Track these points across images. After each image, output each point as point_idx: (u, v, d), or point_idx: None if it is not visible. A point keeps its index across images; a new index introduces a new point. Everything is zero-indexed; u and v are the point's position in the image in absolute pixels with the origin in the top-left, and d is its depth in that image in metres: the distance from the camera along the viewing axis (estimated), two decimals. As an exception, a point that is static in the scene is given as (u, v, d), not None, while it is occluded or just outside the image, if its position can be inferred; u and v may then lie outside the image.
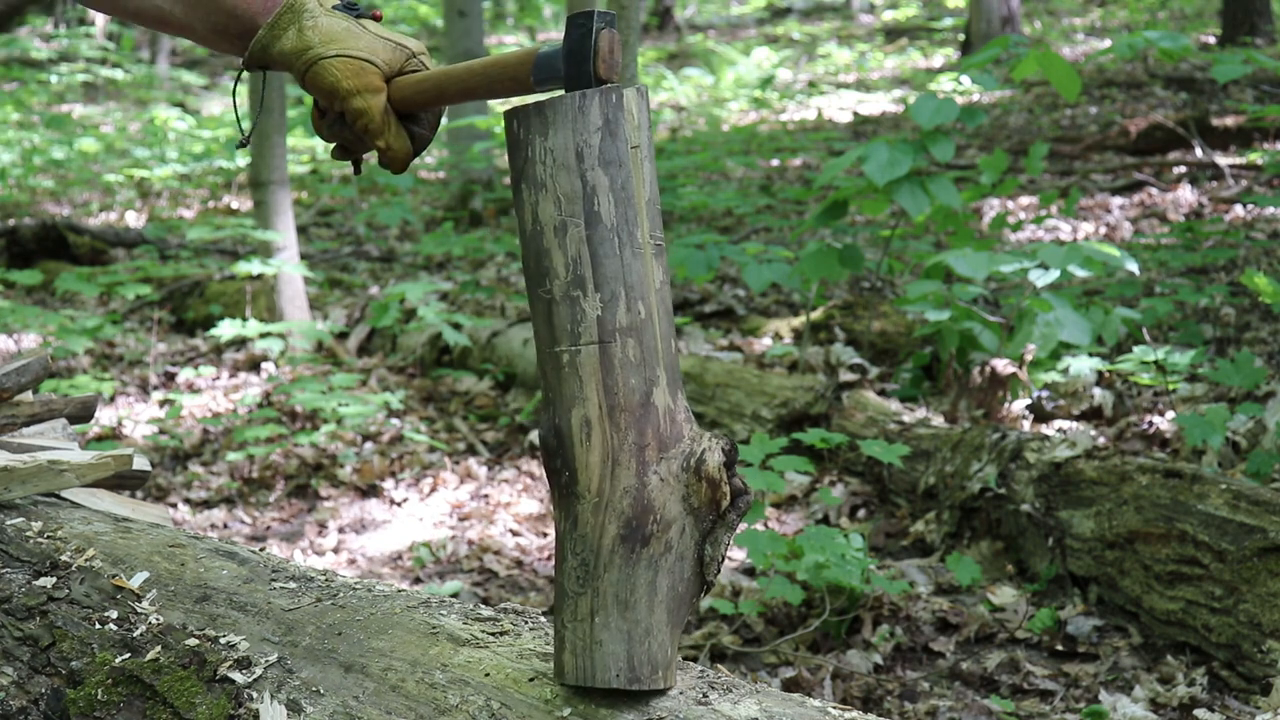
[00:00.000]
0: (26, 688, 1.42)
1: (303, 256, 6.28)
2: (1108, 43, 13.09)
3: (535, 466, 4.28)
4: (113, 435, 4.67)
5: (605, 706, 1.25)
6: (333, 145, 1.52)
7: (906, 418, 3.88)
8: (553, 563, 3.56)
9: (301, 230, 7.95)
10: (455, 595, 3.34)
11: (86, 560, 1.55)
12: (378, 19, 1.47)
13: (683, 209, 8.10)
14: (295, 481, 4.27)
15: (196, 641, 1.41)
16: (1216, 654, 2.71)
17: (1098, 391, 4.16)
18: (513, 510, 3.96)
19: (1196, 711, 2.46)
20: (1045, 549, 3.15)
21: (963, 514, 3.40)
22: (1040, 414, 4.10)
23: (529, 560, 3.63)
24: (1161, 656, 2.79)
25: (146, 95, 16.69)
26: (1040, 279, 4.08)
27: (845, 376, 4.52)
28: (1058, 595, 3.09)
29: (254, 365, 5.52)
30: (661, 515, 1.24)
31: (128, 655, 1.40)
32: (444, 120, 1.62)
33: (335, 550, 3.76)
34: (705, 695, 1.28)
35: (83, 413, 1.97)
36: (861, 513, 3.73)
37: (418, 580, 3.54)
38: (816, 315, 5.10)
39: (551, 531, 3.80)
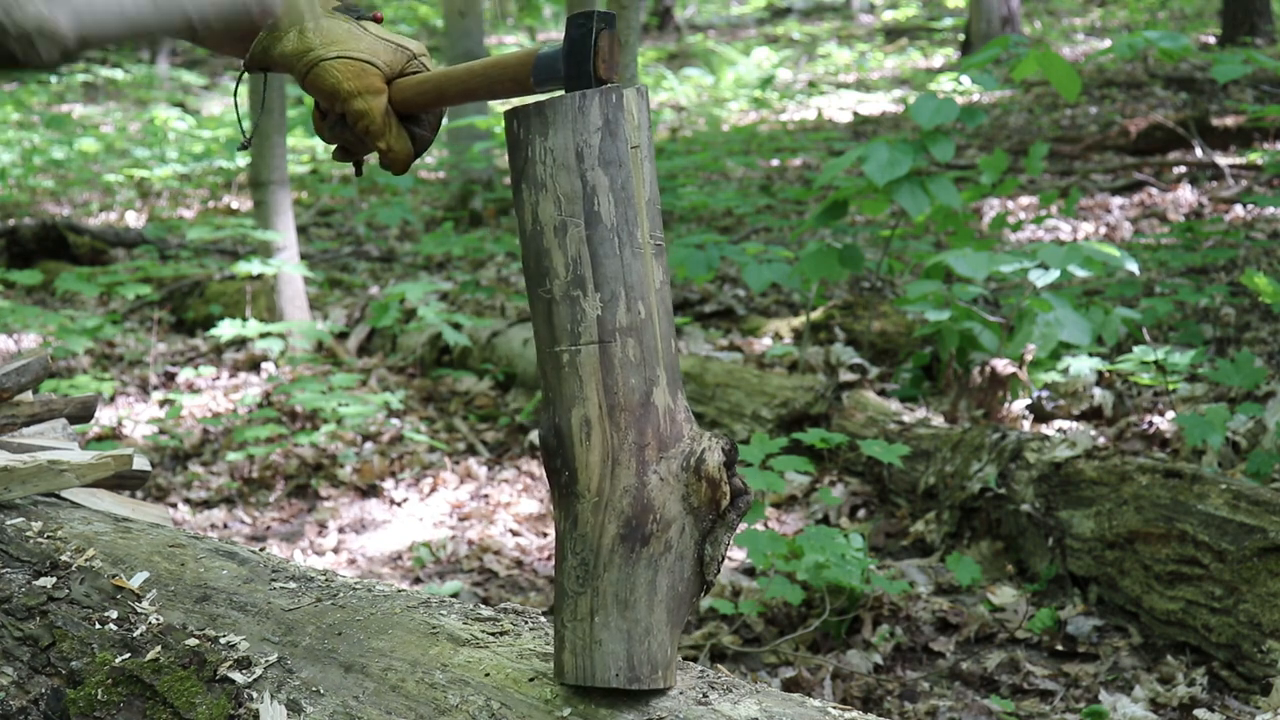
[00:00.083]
0: (26, 688, 1.42)
1: (303, 256, 6.28)
2: (1108, 43, 13.09)
3: (535, 466, 4.28)
4: (113, 435, 4.67)
5: (605, 706, 1.25)
6: (334, 147, 1.52)
7: (906, 418, 3.88)
8: (552, 563, 3.56)
9: (301, 230, 7.95)
10: (455, 595, 3.34)
11: (86, 560, 1.55)
12: (378, 20, 1.47)
13: (683, 209, 8.10)
14: (295, 481, 4.27)
15: (196, 641, 1.41)
16: (1216, 654, 2.71)
17: (1098, 391, 4.16)
18: (513, 510, 3.96)
19: (1196, 711, 2.46)
20: (1045, 549, 3.16)
21: (963, 514, 3.40)
22: (1040, 414, 4.10)
23: (529, 560, 3.63)
24: (1161, 656, 2.79)
25: (146, 95, 16.69)
26: (1040, 279, 4.08)
27: (845, 376, 4.52)
28: (1058, 595, 3.09)
29: (254, 365, 5.52)
30: (661, 515, 1.24)
31: (128, 655, 1.40)
32: (444, 120, 1.62)
33: (335, 550, 3.76)
34: (705, 695, 1.28)
35: (83, 413, 1.97)
36: (861, 513, 3.73)
37: (418, 580, 3.54)
38: (816, 315, 5.10)
39: (551, 531, 3.80)
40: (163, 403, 5.06)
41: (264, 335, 5.30)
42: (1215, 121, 8.54)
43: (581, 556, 1.25)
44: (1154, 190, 7.59)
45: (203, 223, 8.25)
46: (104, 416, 4.81)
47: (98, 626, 1.45)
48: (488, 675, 1.31)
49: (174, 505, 4.10)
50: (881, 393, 4.41)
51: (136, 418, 4.90)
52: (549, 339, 1.25)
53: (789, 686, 2.68)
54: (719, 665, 2.85)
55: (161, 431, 4.68)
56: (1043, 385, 4.18)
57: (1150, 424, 3.94)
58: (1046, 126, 10.10)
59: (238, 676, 1.35)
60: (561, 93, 1.26)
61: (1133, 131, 8.73)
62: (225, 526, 3.96)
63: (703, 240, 4.91)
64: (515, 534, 3.81)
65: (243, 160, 9.77)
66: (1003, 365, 4.06)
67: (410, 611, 1.44)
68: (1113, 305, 4.52)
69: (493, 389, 5.05)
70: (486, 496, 4.10)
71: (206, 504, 4.15)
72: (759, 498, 3.59)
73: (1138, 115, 9.55)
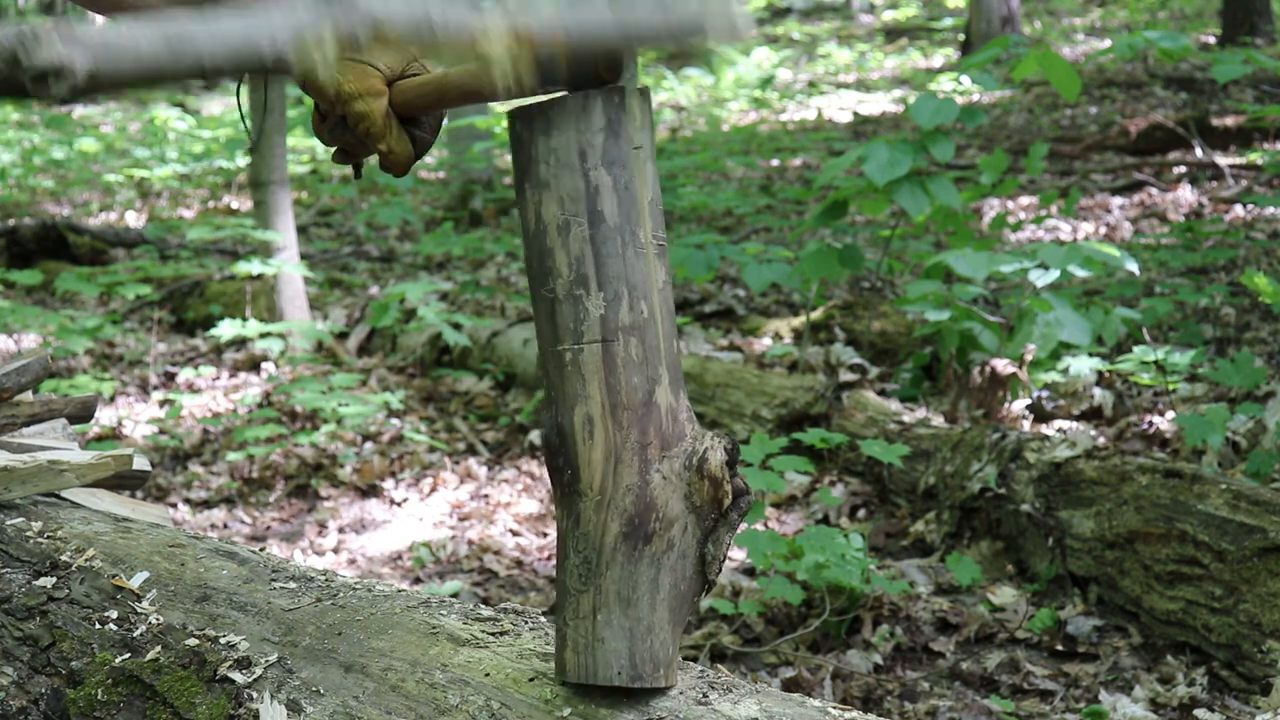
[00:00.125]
0: (26, 688, 1.42)
1: (303, 256, 6.28)
2: (1108, 43, 13.09)
3: (535, 466, 4.28)
4: (113, 435, 4.67)
5: (605, 706, 1.25)
6: (333, 149, 1.52)
7: (906, 418, 3.88)
8: (552, 563, 3.56)
9: (301, 230, 7.95)
10: (455, 595, 3.34)
11: (86, 560, 1.55)
12: None
13: (683, 209, 8.10)
14: (295, 481, 4.27)
15: (196, 641, 1.41)
16: (1216, 654, 2.71)
17: (1098, 391, 4.16)
18: (513, 510, 3.96)
19: (1196, 711, 2.46)
20: (1045, 549, 3.15)
21: (963, 514, 3.40)
22: (1040, 414, 4.10)
23: (529, 560, 3.63)
24: (1161, 656, 2.79)
25: (146, 95, 16.68)
26: (1040, 279, 4.09)
27: (845, 376, 4.52)
28: (1058, 595, 3.09)
29: (254, 365, 5.52)
30: (664, 513, 1.25)
31: (128, 655, 1.40)
32: (444, 122, 1.62)
33: (335, 550, 3.76)
34: (705, 695, 1.28)
35: (83, 413, 1.97)
36: (861, 513, 3.73)
37: (418, 580, 3.54)
38: (816, 315, 5.10)
39: (551, 531, 3.80)
40: (163, 403, 5.06)
41: (264, 335, 5.30)
42: (1215, 121, 8.54)
43: (584, 555, 1.25)
44: (1154, 190, 7.59)
45: (203, 223, 8.25)
46: (104, 416, 4.81)
47: (98, 626, 1.45)
48: (488, 675, 1.31)
49: (174, 505, 4.10)
50: (881, 393, 4.42)
51: (136, 418, 4.90)
52: (552, 338, 1.25)
53: (789, 686, 2.68)
54: (719, 665, 2.85)
55: (161, 431, 4.68)
56: (1043, 385, 4.18)
57: (1150, 424, 3.94)
58: (1046, 126, 10.10)
59: (238, 676, 1.35)
60: (563, 93, 1.26)
61: (1133, 131, 8.73)
62: (225, 526, 3.96)
63: (703, 240, 4.91)
64: (515, 534, 3.81)
65: (243, 160, 9.77)
66: (1003, 365, 4.06)
67: (410, 611, 1.44)
68: (1113, 305, 4.52)
69: (493, 389, 5.05)
70: (486, 496, 4.10)
71: (206, 504, 4.15)
72: (759, 498, 3.59)
73: (1138, 115, 9.55)
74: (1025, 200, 7.78)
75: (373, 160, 1.51)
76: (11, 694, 1.42)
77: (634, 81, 1.28)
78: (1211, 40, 12.13)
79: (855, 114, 11.95)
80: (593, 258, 1.23)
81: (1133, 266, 4.18)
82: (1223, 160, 7.85)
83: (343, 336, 5.82)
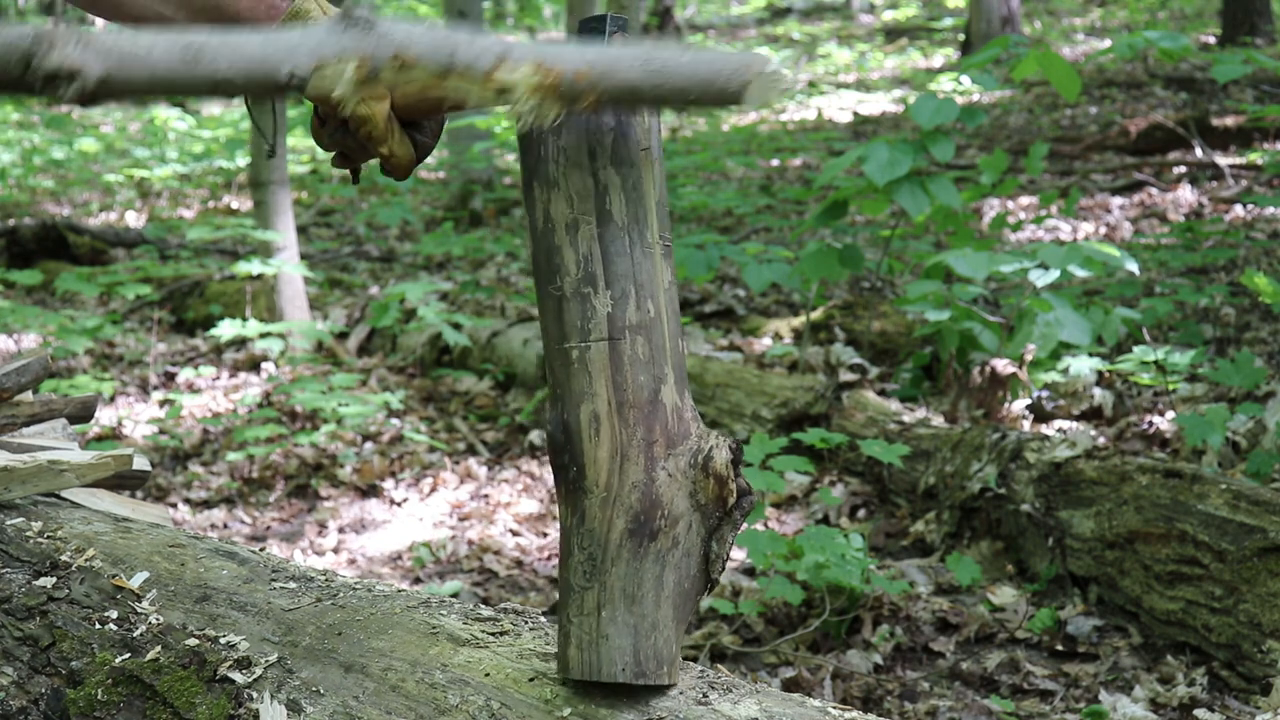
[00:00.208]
0: (26, 688, 1.42)
1: (303, 256, 6.28)
2: (1108, 43, 13.09)
3: (535, 466, 4.28)
4: (113, 435, 4.67)
5: (606, 706, 1.25)
6: (332, 153, 1.51)
7: (906, 418, 3.88)
8: (552, 563, 3.56)
9: (301, 230, 7.95)
10: (455, 595, 3.34)
11: (86, 560, 1.55)
12: None
13: (683, 209, 8.10)
14: (295, 481, 4.27)
15: (196, 641, 1.41)
16: (1216, 654, 2.71)
17: (1098, 391, 4.16)
18: (513, 510, 3.96)
19: (1196, 711, 2.46)
20: (1045, 549, 3.15)
21: (963, 514, 3.40)
22: (1040, 414, 4.10)
23: (529, 560, 3.63)
24: (1161, 656, 2.79)
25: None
26: (1040, 279, 4.09)
27: (845, 376, 4.52)
28: (1058, 595, 3.09)
29: (254, 365, 5.52)
30: (669, 511, 1.25)
31: (128, 655, 1.40)
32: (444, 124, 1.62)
33: (335, 550, 3.76)
34: (705, 695, 1.28)
35: (83, 413, 1.97)
36: (861, 513, 3.73)
37: (418, 580, 3.54)
38: (816, 315, 5.10)
39: (551, 531, 3.80)
40: (163, 403, 5.06)
41: (264, 335, 5.30)
42: (1215, 121, 8.54)
43: (589, 551, 1.25)
44: (1154, 190, 7.59)
45: (203, 223, 8.25)
46: (104, 416, 4.81)
47: (98, 626, 1.45)
48: (488, 675, 1.31)
49: (174, 505, 4.10)
50: (881, 393, 4.42)
51: (136, 418, 4.90)
52: (558, 335, 1.26)
53: (789, 686, 2.68)
54: (719, 665, 2.85)
55: (161, 431, 4.68)
56: (1043, 385, 4.18)
57: (1150, 424, 3.94)
58: (1046, 126, 10.10)
59: (238, 676, 1.35)
60: None
61: (1133, 131, 8.73)
62: (225, 526, 3.96)
63: (703, 240, 4.91)
64: (515, 534, 3.81)
65: (243, 160, 9.77)
66: (1003, 365, 4.06)
67: (410, 611, 1.44)
68: (1113, 305, 4.52)
69: (493, 389, 5.05)
70: (486, 496, 4.10)
71: (206, 504, 4.15)
72: (759, 498, 3.59)
73: (1138, 115, 9.56)
74: (1025, 200, 7.79)
75: (373, 162, 1.51)
76: (11, 694, 1.42)
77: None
78: (1211, 40, 12.13)
79: (855, 114, 11.95)
80: (600, 256, 1.24)
81: (1133, 266, 4.18)
82: (1223, 160, 7.85)
83: (343, 336, 5.82)
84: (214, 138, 12.45)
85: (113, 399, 5.13)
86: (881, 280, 5.68)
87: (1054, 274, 4.08)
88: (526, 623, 1.43)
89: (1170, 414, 3.97)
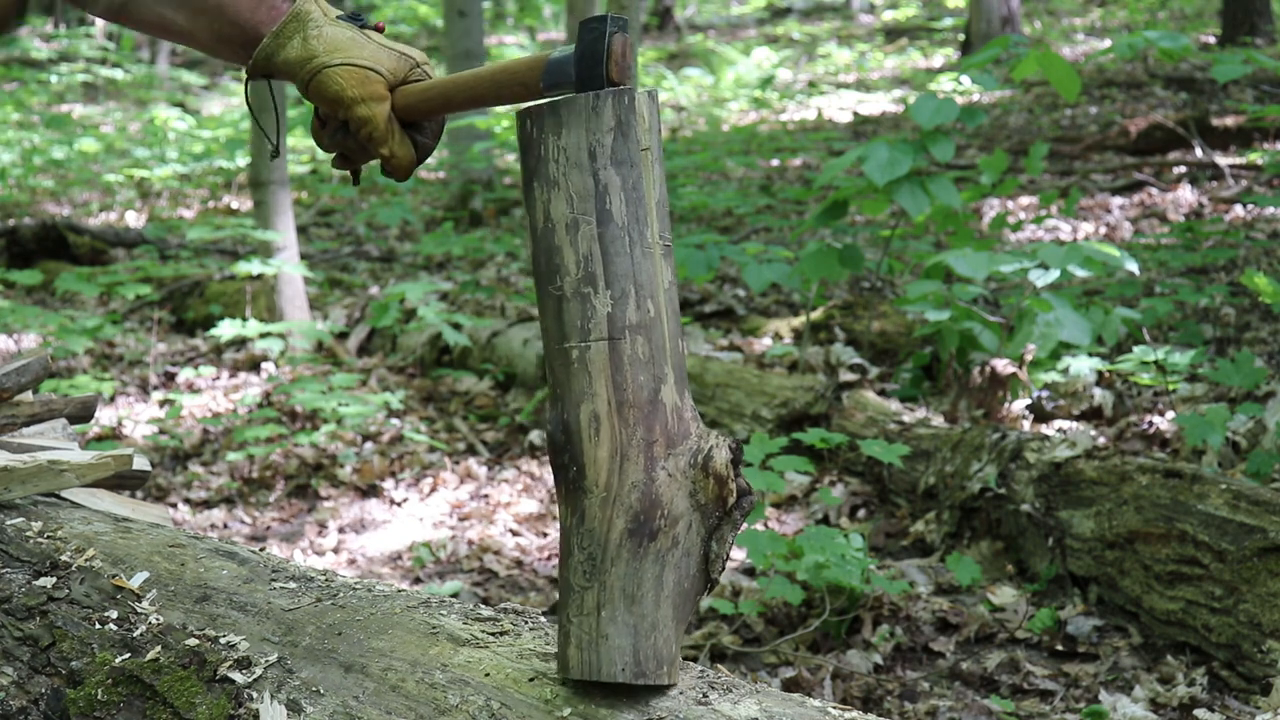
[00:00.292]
0: (26, 688, 1.42)
1: (303, 256, 6.28)
2: (1108, 43, 13.09)
3: (535, 466, 4.28)
4: (113, 435, 4.67)
5: (605, 706, 1.25)
6: (333, 154, 1.51)
7: (906, 418, 3.88)
8: (552, 563, 3.56)
9: (301, 230, 7.95)
10: (455, 595, 3.34)
11: (86, 560, 1.55)
12: (381, 31, 1.47)
13: (683, 209, 8.10)
14: (295, 481, 4.27)
15: (196, 641, 1.41)
16: (1216, 654, 2.71)
17: (1098, 391, 4.15)
18: (513, 510, 3.96)
19: (1196, 711, 2.46)
20: (1045, 549, 3.15)
21: (963, 514, 3.40)
22: (1040, 414, 4.10)
23: (529, 560, 3.63)
24: (1161, 656, 2.79)
25: (146, 95, 16.69)
26: (1040, 279, 4.08)
27: (845, 376, 4.52)
28: (1058, 595, 3.09)
29: (254, 365, 5.52)
30: (669, 510, 1.25)
31: (128, 655, 1.40)
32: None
33: (335, 550, 3.76)
34: (705, 695, 1.28)
35: (83, 413, 1.97)
36: (861, 513, 3.73)
37: (418, 580, 3.54)
38: (816, 315, 5.10)
39: (551, 531, 3.80)
40: (163, 403, 5.06)
41: (264, 335, 5.30)
42: (1215, 121, 8.54)
43: (589, 551, 1.25)
44: (1154, 190, 7.59)
45: (203, 223, 8.25)
46: (104, 416, 4.81)
47: (98, 626, 1.45)
48: (488, 675, 1.31)
49: (174, 505, 4.10)
50: (881, 393, 4.42)
51: (136, 418, 4.90)
52: (558, 335, 1.26)
53: (789, 686, 2.68)
54: (719, 665, 2.85)
55: (161, 431, 4.68)
56: (1043, 385, 4.18)
57: (1150, 424, 3.94)
58: (1046, 126, 10.10)
59: (238, 676, 1.35)
60: (572, 94, 1.27)
61: (1133, 131, 8.73)
62: (225, 526, 3.96)
63: (703, 240, 4.91)
64: (515, 534, 3.81)
65: (243, 160, 9.77)
66: (1003, 365, 4.06)
67: (410, 611, 1.44)
68: (1113, 305, 4.52)
69: (493, 389, 5.05)
70: (486, 496, 4.10)
71: (206, 504, 4.15)
72: (759, 497, 3.59)
73: (1138, 115, 9.55)
74: (1025, 200, 7.78)
75: (373, 163, 1.51)
76: (11, 694, 1.42)
77: (635, 82, 1.29)
78: (1211, 40, 12.13)
79: (855, 114, 11.95)
80: (600, 256, 1.24)
81: (1133, 266, 4.18)
82: (1223, 160, 7.84)
83: (343, 336, 5.82)
84: (214, 138, 12.44)
85: (113, 399, 5.13)
86: (881, 280, 5.68)
87: (1054, 274, 4.08)
88: (526, 623, 1.43)
89: (1170, 414, 3.97)
